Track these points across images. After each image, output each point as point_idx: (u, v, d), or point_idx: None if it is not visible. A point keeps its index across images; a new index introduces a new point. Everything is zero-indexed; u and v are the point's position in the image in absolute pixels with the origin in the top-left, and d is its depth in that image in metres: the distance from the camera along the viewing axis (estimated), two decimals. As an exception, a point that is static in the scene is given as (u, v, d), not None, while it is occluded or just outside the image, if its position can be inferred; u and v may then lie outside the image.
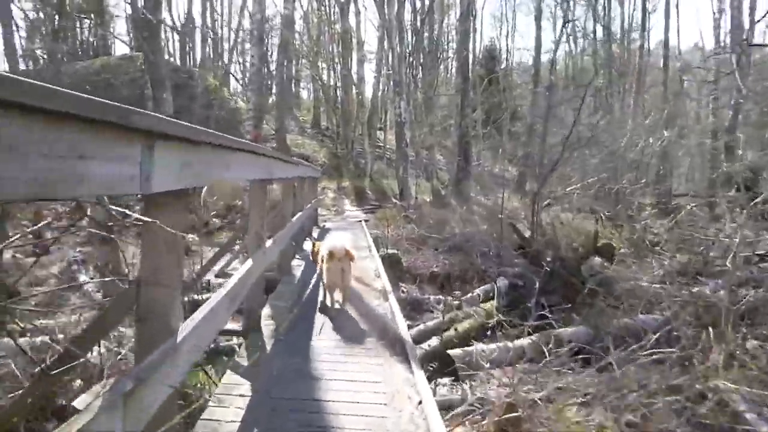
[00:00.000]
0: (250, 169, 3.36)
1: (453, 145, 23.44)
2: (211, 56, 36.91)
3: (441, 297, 8.47)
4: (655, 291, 8.21)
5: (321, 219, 15.45)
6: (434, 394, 4.40)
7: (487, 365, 4.92)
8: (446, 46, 36.53)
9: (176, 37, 34.92)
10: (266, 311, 5.27)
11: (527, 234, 11.53)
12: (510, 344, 5.89)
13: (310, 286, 6.57)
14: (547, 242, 10.73)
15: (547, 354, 5.04)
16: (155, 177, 1.66)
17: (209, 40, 36.79)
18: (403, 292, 8.52)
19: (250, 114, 18.49)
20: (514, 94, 34.49)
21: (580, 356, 5.47)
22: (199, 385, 4.33)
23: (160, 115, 1.66)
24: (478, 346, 5.55)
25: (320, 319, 5.24)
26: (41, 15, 25.78)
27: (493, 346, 5.70)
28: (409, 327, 6.19)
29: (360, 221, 15.59)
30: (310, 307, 5.59)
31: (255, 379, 3.64)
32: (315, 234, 11.37)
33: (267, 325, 4.84)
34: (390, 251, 9.97)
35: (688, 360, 5.51)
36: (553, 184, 14.31)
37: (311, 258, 7.23)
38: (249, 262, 3.91)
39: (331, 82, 31.38)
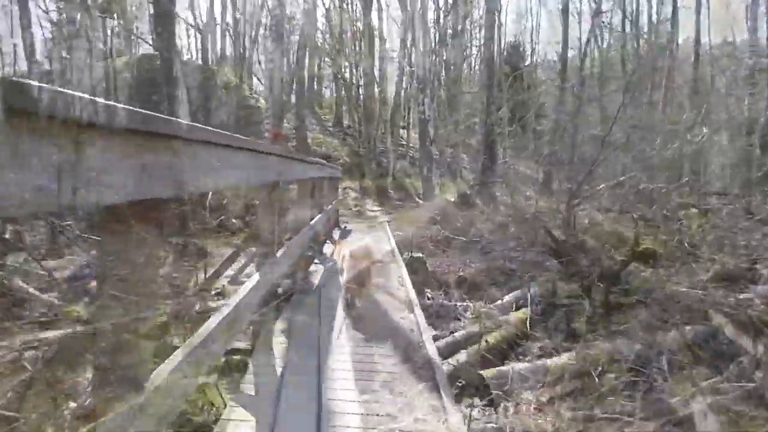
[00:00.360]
0: (252, 171, 2.81)
1: (478, 143, 22.87)
2: (233, 54, 36.64)
3: (469, 304, 7.93)
4: (700, 298, 7.62)
5: (342, 220, 15.03)
6: (468, 419, 3.87)
7: (526, 393, 4.37)
8: (470, 43, 35.83)
9: (198, 36, 34.74)
10: (279, 326, 4.77)
11: (560, 237, 10.87)
12: (548, 362, 5.33)
13: (329, 295, 6.05)
14: (580, 246, 10.08)
15: (595, 377, 4.50)
16: (87, 186, 1.15)
17: (230, 37, 36.55)
18: (428, 298, 8.03)
19: (269, 112, 18.11)
20: (538, 91, 33.64)
21: (623, 379, 4.95)
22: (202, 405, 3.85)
23: (100, 99, 1.15)
24: (514, 366, 4.99)
25: (337, 335, 4.73)
26: (64, 15, 25.84)
27: (529, 365, 5.14)
28: (436, 338, 5.69)
29: (382, 222, 15.16)
30: (327, 321, 5.05)
31: (261, 413, 3.14)
32: (336, 236, 10.93)
33: (278, 343, 4.31)
34: (414, 254, 9.46)
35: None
36: (583, 183, 13.65)
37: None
38: (255, 277, 3.42)
39: (354, 80, 30.91)
